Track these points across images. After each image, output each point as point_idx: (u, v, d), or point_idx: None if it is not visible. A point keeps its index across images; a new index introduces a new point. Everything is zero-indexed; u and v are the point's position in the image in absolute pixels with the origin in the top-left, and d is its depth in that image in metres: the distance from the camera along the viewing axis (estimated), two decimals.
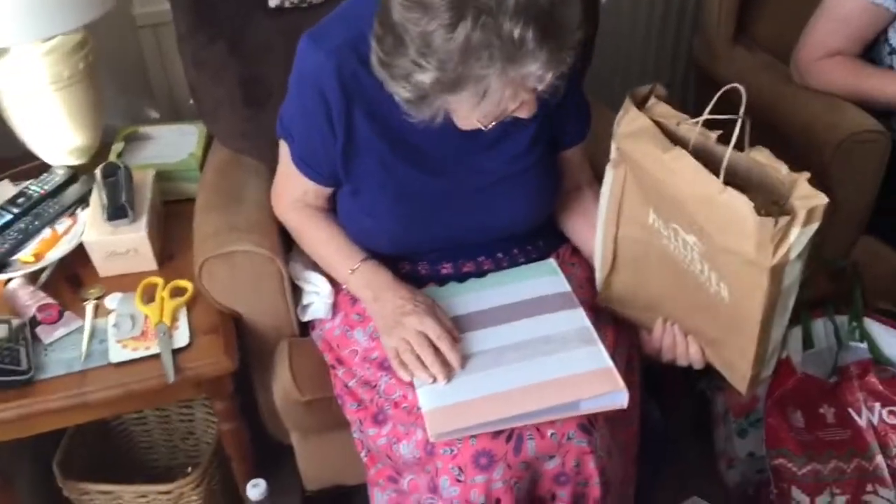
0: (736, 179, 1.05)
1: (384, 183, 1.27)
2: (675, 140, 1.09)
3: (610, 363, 1.17)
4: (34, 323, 1.35)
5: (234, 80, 1.51)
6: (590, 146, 1.39)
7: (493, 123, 1.14)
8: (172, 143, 1.71)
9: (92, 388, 1.28)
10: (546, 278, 1.32)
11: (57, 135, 1.57)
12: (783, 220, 0.98)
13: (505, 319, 1.25)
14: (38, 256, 1.45)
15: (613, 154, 1.16)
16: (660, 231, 1.15)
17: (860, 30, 1.63)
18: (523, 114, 1.13)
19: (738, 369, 1.17)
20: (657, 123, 1.11)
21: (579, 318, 1.24)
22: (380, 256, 1.33)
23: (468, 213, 1.30)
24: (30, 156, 1.65)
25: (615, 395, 1.15)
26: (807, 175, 1.04)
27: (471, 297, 1.30)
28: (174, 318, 1.37)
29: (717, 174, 1.02)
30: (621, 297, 1.29)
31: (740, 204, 0.99)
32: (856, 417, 1.58)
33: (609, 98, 1.91)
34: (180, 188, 1.62)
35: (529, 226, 1.36)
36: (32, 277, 1.44)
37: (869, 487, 1.46)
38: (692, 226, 1.08)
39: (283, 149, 1.34)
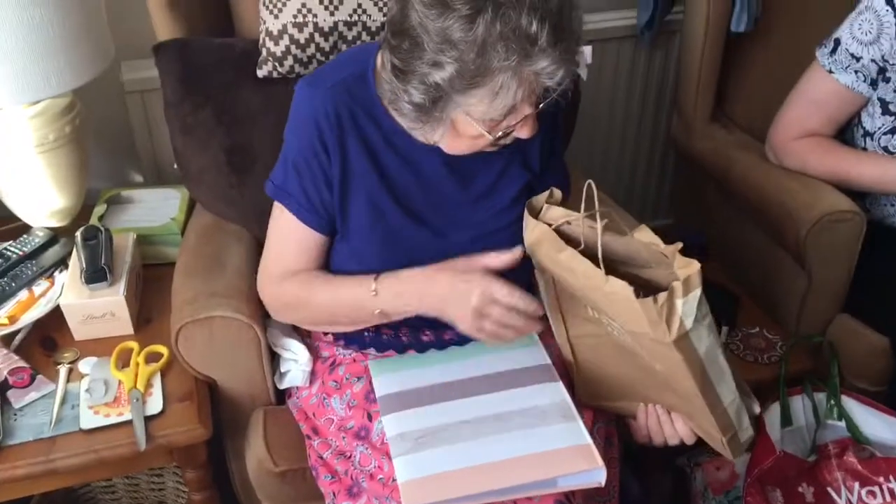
0: (630, 263, 1.11)
1: (373, 225, 1.26)
2: (571, 239, 1.14)
3: (588, 440, 1.16)
4: (5, 386, 1.33)
5: (220, 148, 1.52)
6: None
7: (492, 142, 1.15)
8: (155, 207, 1.71)
9: (61, 454, 1.25)
10: (526, 349, 1.32)
11: (39, 197, 1.57)
12: (662, 296, 1.00)
13: (484, 390, 1.24)
14: (12, 319, 1.43)
15: (534, 262, 1.20)
16: (600, 320, 1.17)
17: (834, 113, 1.67)
18: (524, 133, 1.15)
19: (713, 436, 1.19)
20: (556, 228, 1.15)
21: (558, 391, 1.24)
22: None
23: (457, 229, 1.30)
24: (11, 217, 1.65)
25: (593, 472, 1.14)
26: (678, 246, 1.08)
27: (451, 365, 1.30)
28: (148, 385, 1.35)
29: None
30: (596, 392, 1.30)
31: (621, 290, 1.02)
32: (835, 497, 1.58)
33: (589, 171, 1.94)
34: (161, 252, 1.62)
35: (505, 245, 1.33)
36: (6, 340, 1.42)
37: None
38: (607, 314, 1.12)
39: (275, 216, 1.32)
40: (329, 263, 1.32)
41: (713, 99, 1.95)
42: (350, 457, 1.26)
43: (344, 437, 1.28)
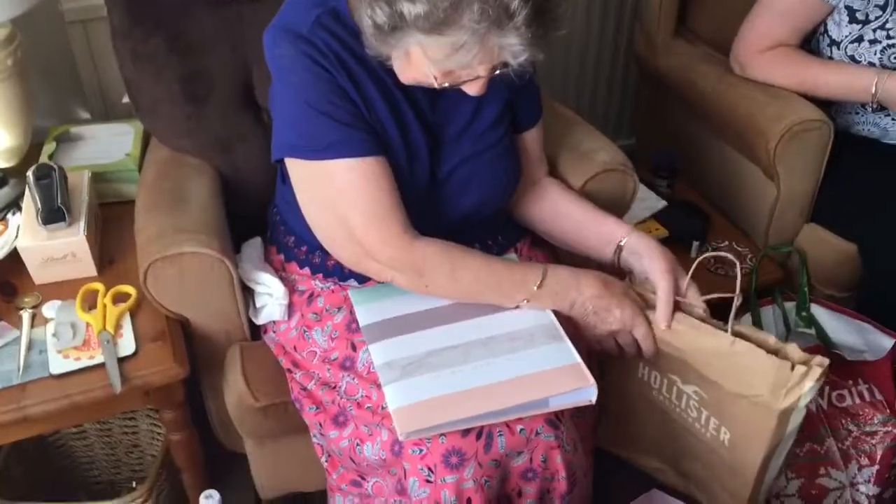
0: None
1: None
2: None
3: (578, 359, 1.16)
4: None
5: (175, 76, 1.45)
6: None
7: (442, 84, 1.12)
8: (107, 144, 1.64)
9: (32, 401, 1.21)
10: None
11: None
12: (800, 368, 1.11)
13: (470, 315, 1.23)
14: None
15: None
16: (650, 384, 1.28)
17: (800, 22, 1.66)
18: (471, 90, 1.13)
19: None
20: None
21: (545, 315, 1.23)
22: None
23: (441, 191, 1.28)
24: None
25: (584, 391, 1.14)
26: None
27: None
28: (118, 326, 1.31)
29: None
30: (621, 440, 1.40)
31: (754, 351, 1.13)
32: None
33: (549, 88, 1.92)
34: (118, 189, 1.56)
35: (494, 208, 1.34)
36: None
37: (822, 470, 1.48)
38: (694, 376, 1.20)
39: (331, 177, 1.17)
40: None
41: (676, 13, 1.92)
42: (335, 387, 1.25)
43: (329, 369, 1.26)
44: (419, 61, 1.10)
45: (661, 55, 1.93)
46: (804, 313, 1.64)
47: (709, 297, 1.21)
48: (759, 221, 1.77)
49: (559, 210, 1.38)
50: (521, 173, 1.37)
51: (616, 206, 1.48)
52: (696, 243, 1.75)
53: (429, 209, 1.27)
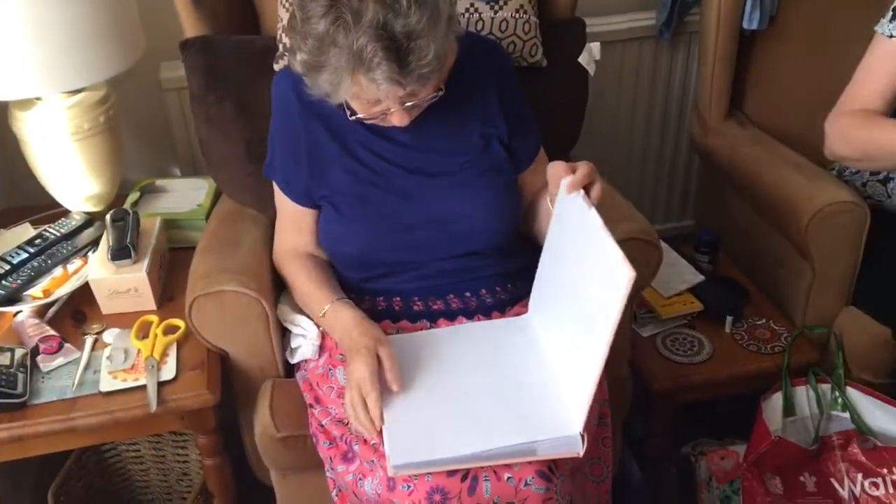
0: None
1: (349, 188, 1.40)
2: None
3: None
4: (35, 352, 1.44)
5: (240, 138, 1.62)
6: None
7: (370, 117, 1.29)
8: (184, 196, 1.82)
9: (80, 414, 1.35)
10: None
11: (76, 182, 1.69)
12: None
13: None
14: (46, 292, 1.55)
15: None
16: None
17: (882, 86, 1.56)
18: (395, 122, 1.28)
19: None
20: None
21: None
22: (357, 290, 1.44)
23: (429, 213, 1.40)
24: (54, 203, 1.78)
25: (569, 438, 1.17)
26: None
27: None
28: (164, 354, 1.45)
29: None
30: None
31: None
32: (837, 488, 1.59)
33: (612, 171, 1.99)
34: (187, 236, 1.72)
35: (489, 238, 1.43)
36: (41, 311, 1.54)
37: None
38: None
39: (276, 193, 1.48)
40: (320, 231, 1.46)
41: (728, 95, 1.98)
42: (347, 423, 1.33)
43: (343, 405, 1.34)
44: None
45: (710, 135, 1.98)
46: (839, 396, 1.62)
47: None
48: (797, 301, 1.77)
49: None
50: (518, 209, 1.47)
51: (640, 276, 1.52)
52: (729, 318, 1.76)
53: (418, 223, 1.40)
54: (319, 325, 1.45)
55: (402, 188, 1.41)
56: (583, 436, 1.18)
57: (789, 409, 1.63)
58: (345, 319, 1.36)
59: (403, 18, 1.15)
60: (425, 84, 1.21)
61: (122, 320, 1.53)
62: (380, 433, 1.23)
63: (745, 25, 1.88)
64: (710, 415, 1.86)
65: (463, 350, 1.35)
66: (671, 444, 1.81)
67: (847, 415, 1.61)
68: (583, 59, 1.72)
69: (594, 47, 1.73)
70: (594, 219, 1.17)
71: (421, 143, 1.41)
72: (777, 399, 1.64)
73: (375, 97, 1.22)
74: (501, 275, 1.46)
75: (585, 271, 1.20)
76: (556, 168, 1.26)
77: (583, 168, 1.23)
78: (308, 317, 1.48)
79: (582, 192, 1.22)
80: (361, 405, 1.25)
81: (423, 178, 1.41)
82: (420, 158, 1.41)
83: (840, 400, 1.62)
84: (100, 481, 1.77)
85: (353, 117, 1.31)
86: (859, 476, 1.58)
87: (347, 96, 1.25)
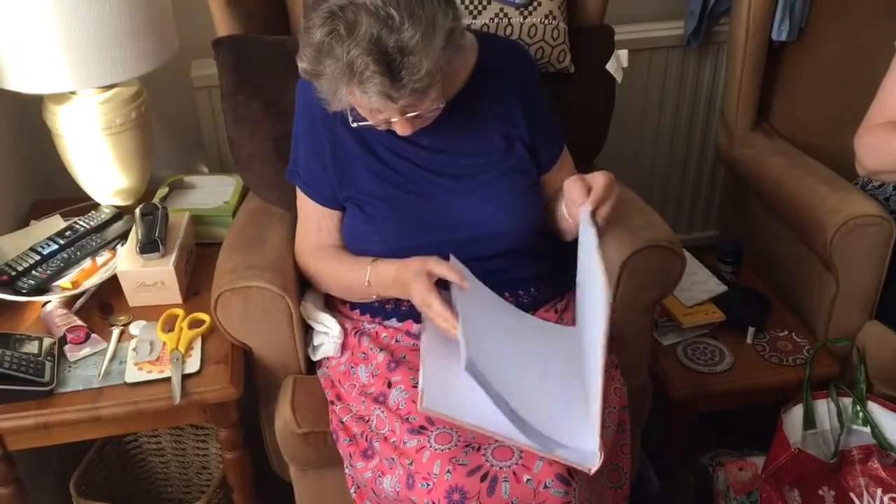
0: None
1: (374, 190, 1.42)
2: None
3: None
4: (63, 342, 1.47)
5: (267, 137, 1.64)
6: None
7: (378, 126, 1.31)
8: (212, 192, 1.84)
9: (105, 403, 1.37)
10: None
11: (106, 176, 1.72)
12: None
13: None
14: (75, 284, 1.57)
15: None
16: None
17: None
18: (399, 130, 1.30)
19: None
20: None
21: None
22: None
23: (452, 215, 1.41)
24: (84, 196, 1.81)
25: (586, 452, 1.16)
26: None
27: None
28: (189, 347, 1.46)
29: None
30: None
31: None
32: (857, 502, 1.58)
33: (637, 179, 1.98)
34: (214, 232, 1.74)
35: (512, 241, 1.44)
36: (69, 302, 1.56)
37: None
38: None
39: (298, 195, 1.50)
40: (345, 232, 1.48)
41: (755, 106, 1.97)
42: (368, 420, 1.34)
43: (364, 402, 1.36)
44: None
45: (736, 146, 1.98)
46: (860, 411, 1.61)
47: None
48: (820, 314, 1.76)
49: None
50: (540, 211, 1.48)
51: (661, 284, 1.53)
52: (751, 329, 1.76)
53: (443, 223, 1.41)
54: (343, 323, 1.46)
55: (425, 190, 1.42)
56: (600, 452, 1.16)
57: (809, 422, 1.62)
58: (387, 272, 1.38)
59: (397, 34, 1.16)
60: (421, 98, 1.23)
61: (149, 313, 1.55)
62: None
63: (774, 37, 1.88)
64: (728, 425, 1.86)
65: (521, 332, 1.37)
66: (689, 453, 1.80)
67: (868, 429, 1.60)
68: (610, 66, 1.72)
69: (622, 54, 1.73)
70: (592, 238, 1.20)
71: (443, 145, 1.42)
72: (797, 412, 1.63)
73: (371, 107, 1.24)
74: (525, 278, 1.47)
75: (590, 292, 1.23)
76: (572, 190, 1.27)
77: (597, 189, 1.25)
78: (332, 314, 1.50)
79: (588, 209, 1.24)
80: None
81: (446, 179, 1.43)
82: (442, 160, 1.43)
83: (861, 414, 1.62)
84: (121, 473, 1.79)
85: (356, 123, 1.33)
86: (879, 491, 1.57)
87: (346, 105, 1.27)
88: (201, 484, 1.84)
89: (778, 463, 1.54)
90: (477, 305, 1.33)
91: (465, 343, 1.19)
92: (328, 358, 1.49)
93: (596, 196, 1.25)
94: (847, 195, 1.65)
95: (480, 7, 1.65)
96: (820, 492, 1.59)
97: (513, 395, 1.17)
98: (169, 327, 1.50)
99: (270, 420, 1.54)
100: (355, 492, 1.38)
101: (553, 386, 1.27)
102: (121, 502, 1.70)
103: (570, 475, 1.19)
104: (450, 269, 1.31)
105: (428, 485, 1.19)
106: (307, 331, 1.53)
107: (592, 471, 1.16)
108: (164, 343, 1.47)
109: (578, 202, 1.26)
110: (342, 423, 1.39)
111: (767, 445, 1.63)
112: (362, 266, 1.42)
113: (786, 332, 1.79)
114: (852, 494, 1.58)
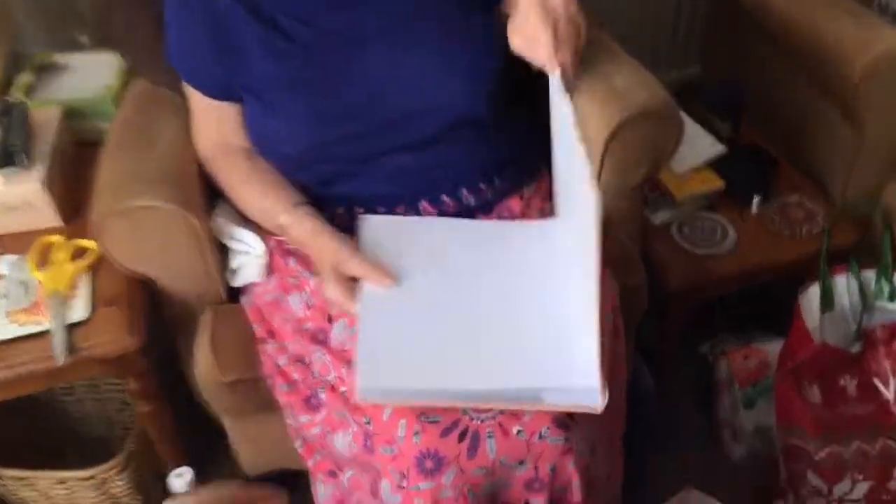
0: None
1: (272, 72, 1.13)
2: None
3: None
4: None
5: None
6: None
7: None
8: (92, 75, 1.50)
9: None
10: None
11: None
12: None
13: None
14: None
15: None
16: None
17: None
18: None
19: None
20: None
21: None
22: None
23: (373, 89, 1.12)
24: None
25: (587, 392, 0.94)
26: None
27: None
28: (73, 286, 1.17)
29: None
30: None
31: None
32: (882, 389, 1.42)
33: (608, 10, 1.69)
34: (95, 127, 1.42)
35: (468, 102, 1.15)
36: None
37: None
38: None
39: (184, 85, 1.21)
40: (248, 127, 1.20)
41: None
42: (308, 364, 1.10)
43: (300, 341, 1.12)
44: None
45: None
46: (887, 285, 1.42)
47: None
48: (836, 173, 1.56)
49: None
50: (501, 59, 1.15)
51: (653, 159, 1.26)
52: (757, 198, 1.54)
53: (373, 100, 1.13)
54: (268, 240, 1.19)
55: (335, 61, 1.12)
56: (603, 386, 0.94)
57: (828, 302, 1.43)
58: (302, 237, 1.13)
59: None
60: None
61: (21, 242, 1.25)
62: None
63: None
64: (729, 307, 1.66)
65: (466, 254, 1.11)
66: (686, 343, 1.62)
67: (894, 305, 1.41)
68: None
69: None
70: (568, 110, 1.00)
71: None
72: (814, 292, 1.43)
73: None
74: (484, 164, 1.19)
75: (571, 180, 1.01)
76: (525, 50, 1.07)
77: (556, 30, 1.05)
78: (252, 229, 1.22)
79: (558, 73, 1.05)
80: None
81: (361, 42, 1.11)
82: (353, 16, 1.12)
83: (887, 289, 1.43)
84: (29, 420, 1.53)
85: None
86: None
87: None
88: (124, 420, 1.59)
89: (798, 359, 1.35)
90: (402, 270, 1.07)
91: (361, 360, 0.97)
92: (253, 284, 1.22)
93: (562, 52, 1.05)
94: (875, 28, 1.40)
95: None
96: (841, 381, 1.42)
97: (464, 369, 0.96)
98: (45, 261, 1.19)
99: (190, 363, 1.27)
100: (301, 445, 1.14)
101: (527, 316, 1.03)
102: (24, 458, 1.44)
103: (569, 416, 0.98)
104: (368, 269, 1.05)
105: (392, 450, 0.96)
106: (224, 250, 1.24)
107: (599, 410, 0.94)
108: (40, 283, 1.16)
109: (539, 62, 1.06)
110: (278, 366, 1.14)
111: (775, 327, 1.48)
112: (282, 207, 1.15)
113: (796, 197, 1.58)
114: (876, 380, 1.42)
